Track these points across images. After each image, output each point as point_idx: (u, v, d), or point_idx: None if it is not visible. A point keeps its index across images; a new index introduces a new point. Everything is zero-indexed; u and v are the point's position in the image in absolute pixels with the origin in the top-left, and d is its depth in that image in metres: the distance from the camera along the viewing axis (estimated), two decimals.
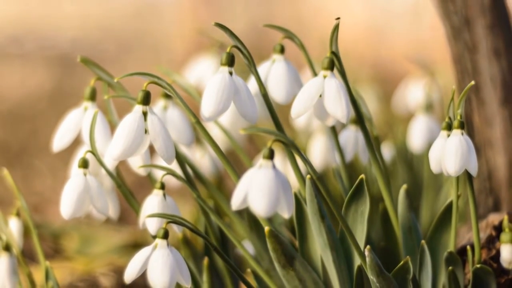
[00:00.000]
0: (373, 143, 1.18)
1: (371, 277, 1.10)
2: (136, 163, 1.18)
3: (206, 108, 1.08)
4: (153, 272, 1.06)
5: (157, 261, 1.06)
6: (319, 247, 1.15)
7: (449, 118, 1.13)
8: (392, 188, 1.21)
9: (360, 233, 1.14)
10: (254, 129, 1.02)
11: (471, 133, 1.33)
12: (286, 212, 1.00)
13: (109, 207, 1.21)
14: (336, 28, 1.12)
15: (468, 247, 1.17)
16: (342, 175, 1.25)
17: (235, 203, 0.99)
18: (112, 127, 1.19)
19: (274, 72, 1.22)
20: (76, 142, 1.24)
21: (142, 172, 1.19)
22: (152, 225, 1.13)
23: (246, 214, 1.21)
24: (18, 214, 1.28)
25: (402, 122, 1.90)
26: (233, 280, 1.27)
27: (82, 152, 1.20)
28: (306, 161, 1.07)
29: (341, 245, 1.15)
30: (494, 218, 1.26)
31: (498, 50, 1.32)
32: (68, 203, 1.13)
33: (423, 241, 1.15)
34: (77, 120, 1.21)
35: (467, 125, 1.33)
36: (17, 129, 3.30)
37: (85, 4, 4.97)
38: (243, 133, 1.00)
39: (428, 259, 1.15)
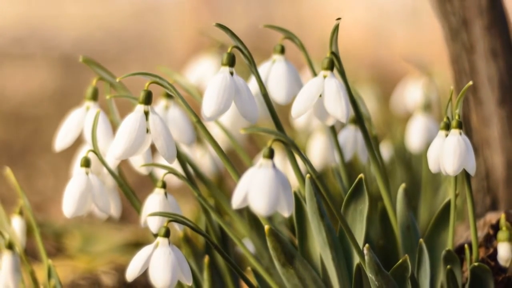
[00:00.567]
0: (372, 142, 1.18)
1: (370, 275, 1.10)
2: (138, 162, 1.18)
3: (207, 108, 1.08)
4: (155, 270, 1.07)
5: (159, 260, 1.07)
6: (319, 245, 1.15)
7: (447, 118, 1.12)
8: (391, 187, 1.21)
9: (359, 232, 1.14)
10: (254, 129, 1.02)
11: (469, 133, 1.33)
12: (286, 211, 1.00)
13: (111, 206, 1.21)
14: (336, 28, 1.12)
15: (466, 245, 1.17)
16: (342, 174, 1.25)
17: (236, 202, 1.00)
18: (114, 126, 1.19)
19: (274, 72, 1.21)
20: (78, 142, 1.24)
21: (143, 171, 1.19)
22: (154, 224, 1.13)
23: (246, 213, 1.21)
24: (21, 213, 1.28)
25: (401, 122, 1.89)
26: (233, 278, 1.28)
27: (84, 152, 1.20)
28: (306, 160, 1.07)
29: (340, 244, 1.15)
30: (491, 217, 1.26)
31: (495, 50, 1.32)
32: (70, 202, 1.14)
33: (421, 240, 1.15)
34: (79, 120, 1.21)
35: (465, 125, 1.33)
36: (20, 128, 3.30)
37: (87, 5, 4.97)
38: (243, 132, 1.00)
39: (426, 257, 1.15)
